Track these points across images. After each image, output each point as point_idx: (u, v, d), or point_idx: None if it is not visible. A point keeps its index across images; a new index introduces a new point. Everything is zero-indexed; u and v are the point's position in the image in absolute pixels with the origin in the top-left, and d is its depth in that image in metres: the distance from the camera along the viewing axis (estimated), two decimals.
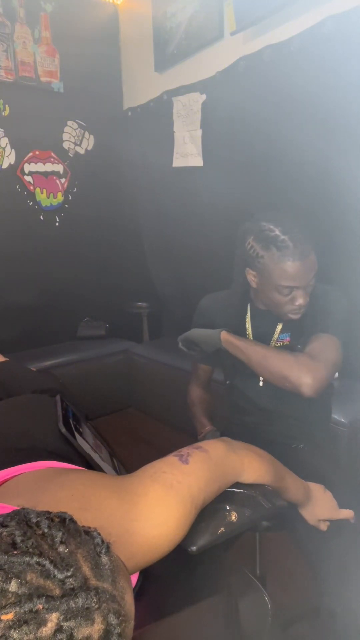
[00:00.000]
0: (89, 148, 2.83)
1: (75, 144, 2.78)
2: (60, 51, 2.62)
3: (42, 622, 0.36)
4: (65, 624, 0.37)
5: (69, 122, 2.73)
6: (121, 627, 0.40)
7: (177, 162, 2.41)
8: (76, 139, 2.77)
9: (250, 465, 0.89)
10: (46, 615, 0.36)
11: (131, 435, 2.59)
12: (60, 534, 0.42)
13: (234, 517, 0.82)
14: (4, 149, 2.51)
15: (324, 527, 1.02)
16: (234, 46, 2.06)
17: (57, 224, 2.77)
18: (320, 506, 1.02)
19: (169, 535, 0.67)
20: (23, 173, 2.60)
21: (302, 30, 1.70)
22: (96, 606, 0.39)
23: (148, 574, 0.81)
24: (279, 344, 1.29)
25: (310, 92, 1.71)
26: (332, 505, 1.03)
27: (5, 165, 2.53)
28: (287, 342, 1.29)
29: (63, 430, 1.02)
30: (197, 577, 0.94)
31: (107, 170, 2.88)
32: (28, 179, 2.62)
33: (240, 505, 0.84)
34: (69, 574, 0.39)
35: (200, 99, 2.21)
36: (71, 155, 2.77)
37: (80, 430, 1.12)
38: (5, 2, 2.42)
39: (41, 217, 2.71)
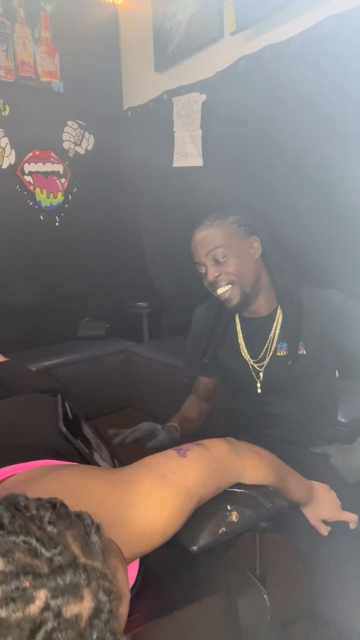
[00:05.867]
0: (89, 148, 2.83)
1: (75, 144, 2.78)
2: (60, 51, 2.62)
3: (30, 599, 0.36)
4: (52, 601, 0.36)
5: (69, 122, 2.73)
6: (112, 605, 0.40)
7: (177, 162, 2.41)
8: (76, 139, 2.77)
9: (252, 467, 0.88)
10: (33, 593, 0.36)
11: None
12: (48, 514, 0.42)
13: (234, 516, 0.82)
14: (4, 149, 2.51)
15: (324, 531, 1.01)
16: (234, 46, 2.06)
17: (57, 224, 2.77)
18: (324, 506, 1.01)
19: (162, 523, 0.66)
20: (23, 173, 2.60)
21: (302, 30, 1.70)
22: (85, 583, 0.38)
23: (148, 573, 0.81)
24: (280, 354, 1.25)
25: (310, 92, 1.71)
26: (335, 505, 1.03)
27: (5, 165, 2.52)
28: (286, 353, 1.24)
29: (64, 429, 1.02)
30: (197, 577, 0.94)
31: (107, 170, 2.87)
32: (28, 179, 2.62)
33: (241, 505, 0.84)
34: (56, 551, 0.39)
35: (200, 99, 2.21)
36: (71, 155, 2.77)
37: (81, 430, 1.12)
38: (5, 2, 2.42)
39: (41, 217, 2.71)
